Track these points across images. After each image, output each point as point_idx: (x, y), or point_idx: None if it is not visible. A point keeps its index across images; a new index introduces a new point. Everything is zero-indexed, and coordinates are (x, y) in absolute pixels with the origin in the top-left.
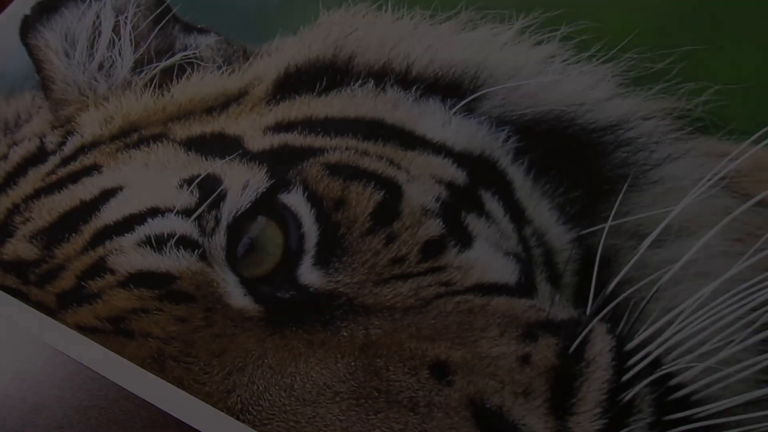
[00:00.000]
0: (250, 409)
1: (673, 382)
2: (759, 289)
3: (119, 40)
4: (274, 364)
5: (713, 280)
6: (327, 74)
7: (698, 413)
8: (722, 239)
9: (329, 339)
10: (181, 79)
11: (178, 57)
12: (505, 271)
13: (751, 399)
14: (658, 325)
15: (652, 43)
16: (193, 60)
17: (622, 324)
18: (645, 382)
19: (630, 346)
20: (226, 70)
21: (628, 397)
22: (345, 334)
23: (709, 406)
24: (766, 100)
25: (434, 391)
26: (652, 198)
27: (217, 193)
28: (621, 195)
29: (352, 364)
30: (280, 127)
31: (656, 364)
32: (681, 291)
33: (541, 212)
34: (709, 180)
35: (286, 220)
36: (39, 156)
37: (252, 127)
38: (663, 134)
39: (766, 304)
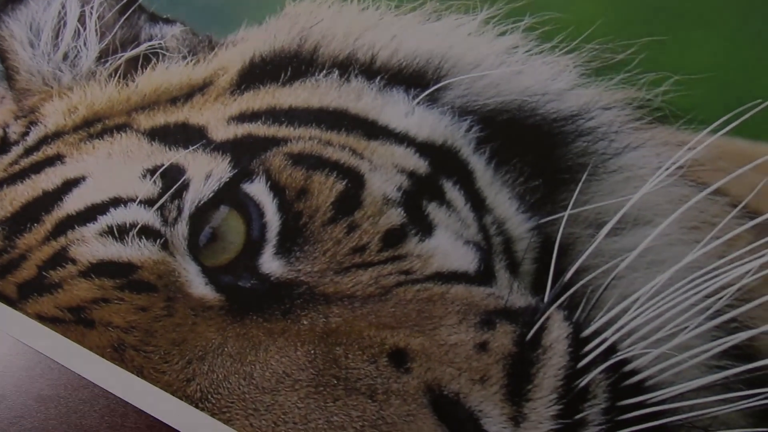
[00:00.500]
0: (209, 397)
1: (628, 368)
2: (713, 277)
3: (84, 30)
4: (234, 353)
5: (669, 267)
6: (292, 64)
7: (652, 398)
8: (678, 227)
9: (289, 327)
10: (146, 69)
11: (143, 47)
12: (465, 260)
13: (704, 384)
14: (614, 312)
15: (614, 33)
16: (159, 50)
17: (579, 311)
18: (600, 368)
19: (586, 332)
20: (191, 61)
21: (583, 383)
22: (305, 322)
23: (662, 392)
24: (724, 90)
25: (392, 379)
26: (611, 187)
27: (180, 182)
28: (580, 184)
29: (312, 352)
30: (244, 117)
31: (611, 350)
32: (637, 278)
33: (502, 201)
34: (667, 169)
35: (249, 209)
36: (1, 146)
37: (216, 116)
38: (623, 124)
39: (720, 291)
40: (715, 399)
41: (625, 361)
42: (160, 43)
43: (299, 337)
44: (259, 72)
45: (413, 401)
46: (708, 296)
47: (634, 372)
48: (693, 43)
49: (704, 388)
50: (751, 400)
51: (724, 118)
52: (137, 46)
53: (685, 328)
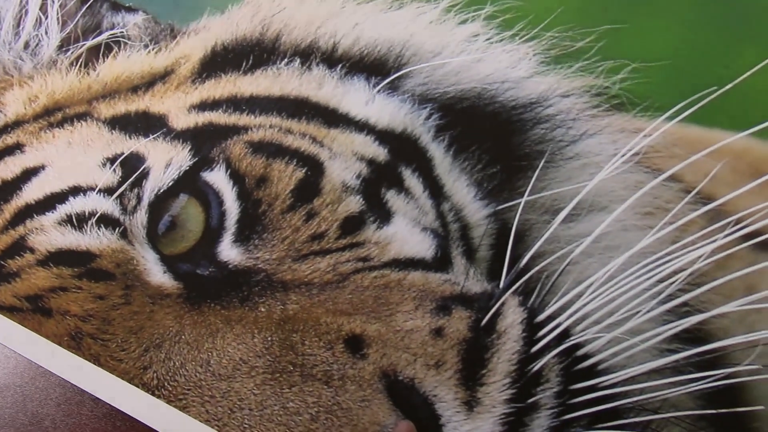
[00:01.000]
0: (166, 384)
1: (581, 352)
2: (666, 262)
3: (46, 18)
4: (191, 341)
5: (623, 253)
6: (254, 53)
7: (603, 382)
8: (633, 213)
9: (247, 315)
10: (108, 58)
11: (105, 36)
12: (422, 246)
13: (655, 367)
14: (568, 297)
15: (573, 22)
16: (120, 39)
17: (534, 296)
18: (553, 352)
19: (540, 317)
20: (153, 49)
21: (536, 368)
22: (262, 309)
23: (613, 375)
24: (680, 78)
25: (348, 365)
26: (567, 174)
27: (139, 171)
28: (537, 171)
29: (269, 339)
30: (205, 106)
31: (565, 335)
32: (591, 264)
33: (460, 188)
34: (623, 156)
35: (208, 197)
36: None
37: (177, 105)
38: (580, 111)
39: (673, 275)
40: (666, 382)
41: (578, 346)
42: (122, 32)
43: (256, 324)
44: (221, 60)
45: (368, 387)
46: (660, 281)
47: (586, 356)
48: (651, 31)
49: (655, 371)
50: (700, 382)
51: (680, 105)
52: (99, 34)
53: (638, 312)
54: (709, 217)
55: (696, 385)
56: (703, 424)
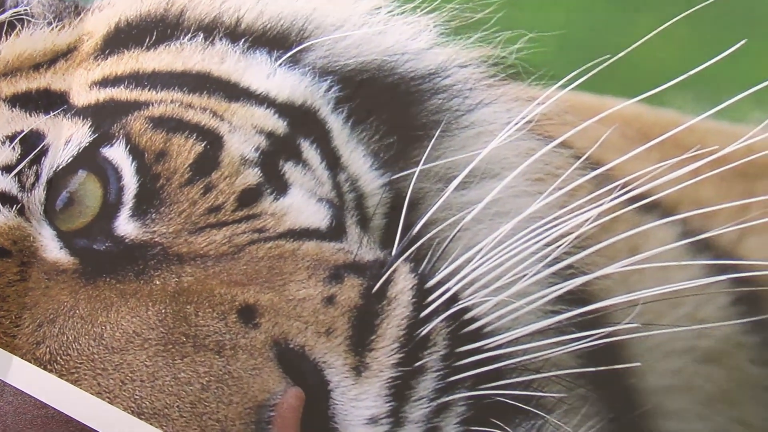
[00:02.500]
0: (58, 359)
1: (468, 315)
2: (554, 226)
3: None
4: (86, 315)
5: (512, 218)
6: (157, 28)
7: (489, 344)
8: (524, 179)
9: (141, 288)
10: (10, 36)
11: (8, 14)
12: (317, 217)
13: (539, 328)
14: (458, 262)
15: None
16: (24, 17)
17: (425, 263)
18: (442, 317)
19: (430, 283)
20: (57, 26)
21: (424, 332)
22: (157, 282)
23: (499, 337)
24: (574, 47)
25: (240, 334)
26: (462, 142)
27: (38, 148)
28: (433, 140)
29: (163, 311)
30: (106, 82)
31: (453, 299)
32: (482, 230)
33: (356, 159)
34: (516, 124)
35: (107, 173)
36: None
37: (79, 82)
38: (477, 81)
39: (560, 239)
40: (548, 342)
41: (466, 309)
42: (26, 9)
43: (151, 297)
44: (124, 37)
45: (260, 355)
46: (547, 245)
47: (473, 319)
48: (547, 2)
49: (539, 332)
50: (581, 342)
51: (573, 73)
52: (2, 12)
53: (524, 275)
54: (597, 181)
55: (577, 345)
56: (582, 381)
